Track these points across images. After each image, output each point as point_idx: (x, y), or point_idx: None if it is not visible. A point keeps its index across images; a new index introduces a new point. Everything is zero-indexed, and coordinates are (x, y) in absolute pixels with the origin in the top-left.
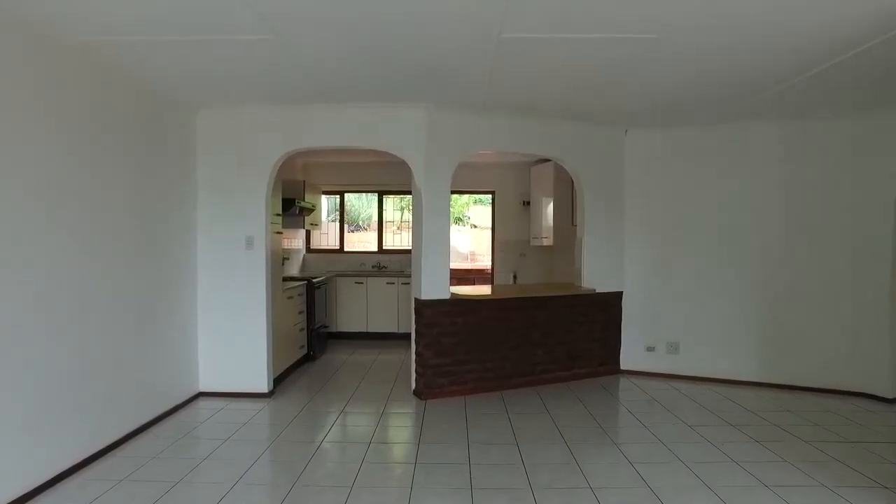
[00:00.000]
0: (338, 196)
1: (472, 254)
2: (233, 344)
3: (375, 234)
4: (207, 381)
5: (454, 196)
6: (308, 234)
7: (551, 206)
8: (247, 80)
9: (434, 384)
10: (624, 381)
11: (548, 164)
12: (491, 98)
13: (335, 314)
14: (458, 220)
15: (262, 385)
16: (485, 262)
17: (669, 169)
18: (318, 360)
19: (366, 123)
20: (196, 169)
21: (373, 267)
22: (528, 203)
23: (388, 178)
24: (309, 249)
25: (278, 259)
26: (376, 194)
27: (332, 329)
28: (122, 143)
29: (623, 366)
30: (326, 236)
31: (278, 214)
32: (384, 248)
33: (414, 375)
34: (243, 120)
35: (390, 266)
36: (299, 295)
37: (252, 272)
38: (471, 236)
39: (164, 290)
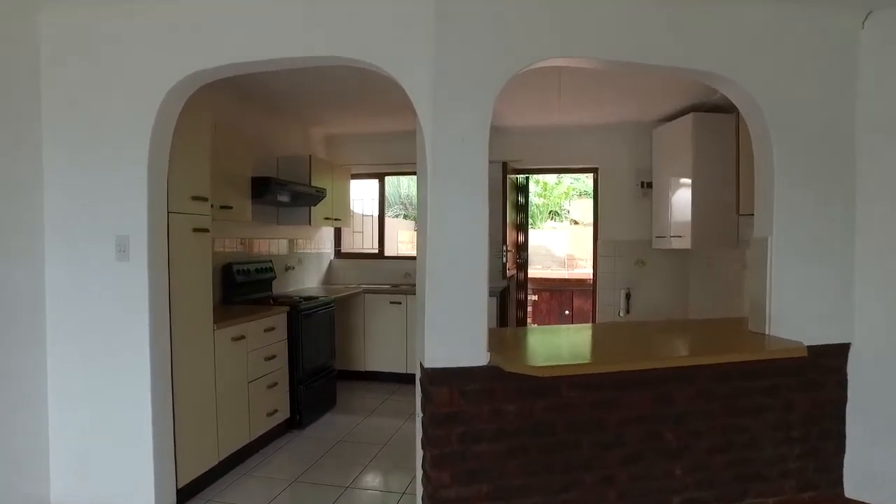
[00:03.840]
0: (375, 180)
1: (571, 258)
2: (102, 425)
3: None
4: (63, 489)
5: (544, 179)
6: (338, 233)
7: (689, 188)
8: None
9: None
10: None
11: (682, 119)
12: None
13: (363, 346)
14: (555, 214)
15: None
16: (588, 267)
17: None
18: (307, 429)
19: (321, 7)
20: (40, 116)
21: None
22: (650, 184)
23: None
24: (339, 253)
25: (200, 273)
26: None
27: (360, 368)
28: None
29: (850, 492)
30: (362, 236)
31: (201, 199)
32: None
33: None
34: (109, 25)
35: None
36: (267, 331)
37: (127, 298)
38: (569, 234)
39: None
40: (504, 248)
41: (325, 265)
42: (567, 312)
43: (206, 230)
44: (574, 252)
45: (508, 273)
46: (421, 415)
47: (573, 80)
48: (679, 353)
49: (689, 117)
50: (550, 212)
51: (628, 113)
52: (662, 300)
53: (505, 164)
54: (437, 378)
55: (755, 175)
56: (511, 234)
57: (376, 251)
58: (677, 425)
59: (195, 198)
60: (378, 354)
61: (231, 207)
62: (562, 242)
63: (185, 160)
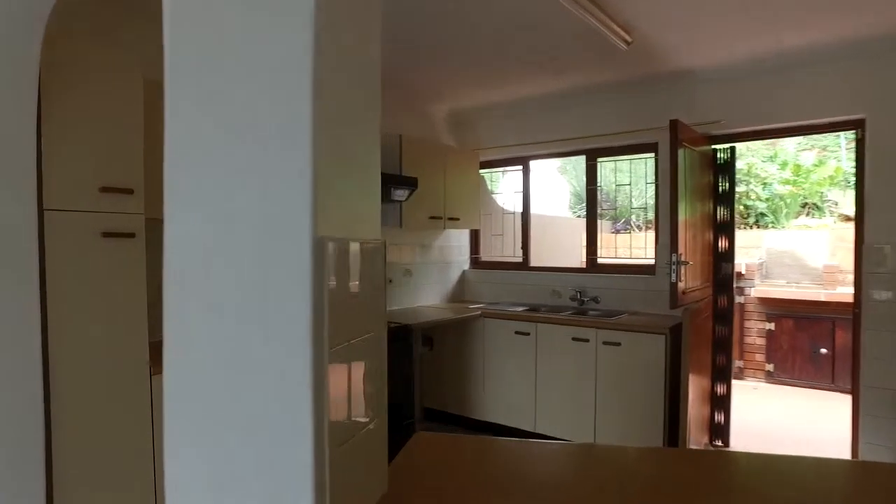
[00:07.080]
0: (519, 168)
1: (831, 270)
2: None
3: (645, 236)
4: None
5: (795, 161)
6: (476, 235)
7: None
8: None
9: None
10: None
11: None
12: None
13: (481, 389)
14: (813, 208)
15: None
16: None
17: None
18: None
19: None
20: None
21: (571, 299)
22: None
23: (607, 121)
24: (476, 262)
25: (123, 296)
26: (583, 157)
27: (479, 416)
28: None
29: None
30: (502, 240)
31: (122, 191)
32: (598, 260)
33: None
34: None
35: (605, 298)
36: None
37: None
38: (830, 236)
39: None
40: (674, 259)
41: (455, 277)
42: (824, 351)
43: (132, 235)
44: (839, 261)
45: (682, 296)
46: None
47: None
48: None
49: None
50: (804, 204)
51: None
52: None
53: (675, 126)
54: None
55: None
56: (692, 238)
57: (520, 260)
58: None
59: (108, 189)
60: (497, 401)
61: None
62: (819, 248)
63: (85, 133)
